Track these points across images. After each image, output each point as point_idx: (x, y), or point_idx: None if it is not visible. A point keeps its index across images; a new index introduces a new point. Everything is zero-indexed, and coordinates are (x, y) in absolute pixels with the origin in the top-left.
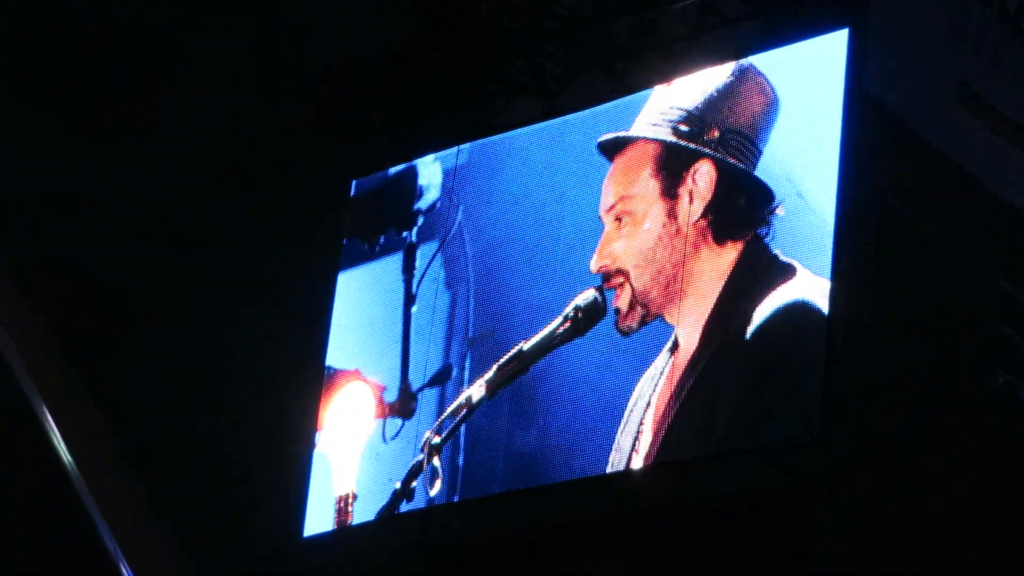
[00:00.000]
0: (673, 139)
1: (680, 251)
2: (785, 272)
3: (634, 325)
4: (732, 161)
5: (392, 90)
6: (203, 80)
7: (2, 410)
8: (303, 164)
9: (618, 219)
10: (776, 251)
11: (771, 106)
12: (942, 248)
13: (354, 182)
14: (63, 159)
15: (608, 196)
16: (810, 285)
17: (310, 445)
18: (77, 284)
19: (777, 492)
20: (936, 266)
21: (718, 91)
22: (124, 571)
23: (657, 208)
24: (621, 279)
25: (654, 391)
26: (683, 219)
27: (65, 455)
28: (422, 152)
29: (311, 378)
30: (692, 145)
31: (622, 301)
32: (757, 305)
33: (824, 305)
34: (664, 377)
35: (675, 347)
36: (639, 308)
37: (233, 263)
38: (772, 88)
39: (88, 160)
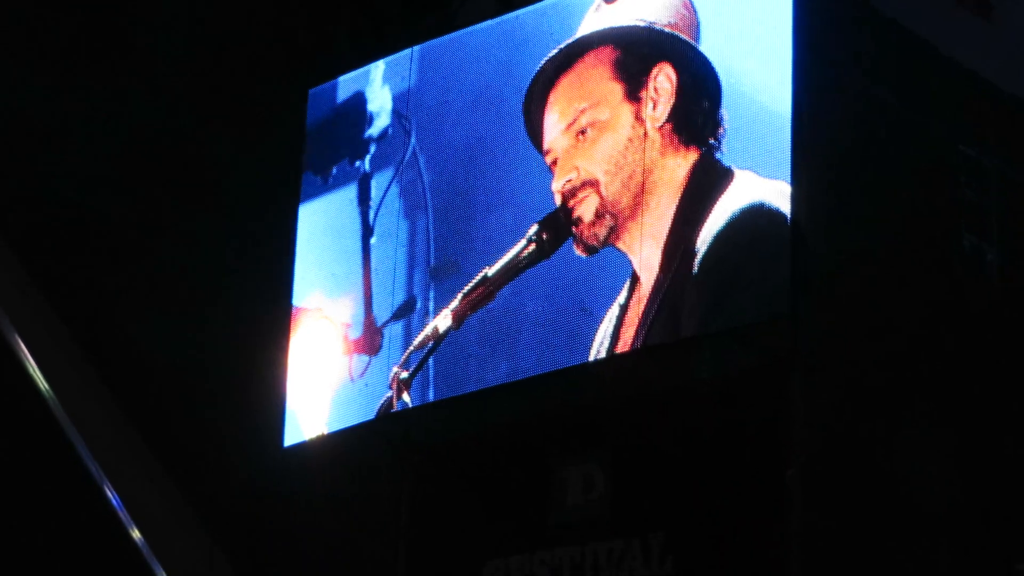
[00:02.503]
0: (630, 41)
1: (649, 158)
2: (733, 179)
3: (601, 236)
4: (691, 61)
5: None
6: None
7: None
8: (262, 75)
9: (581, 132)
10: (724, 160)
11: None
12: (902, 117)
13: (310, 92)
14: (21, 84)
15: (564, 114)
16: (763, 187)
17: (286, 359)
18: (43, 212)
19: (752, 372)
20: (897, 135)
21: None
22: (108, 492)
23: (624, 111)
24: (588, 190)
25: (619, 327)
26: (649, 124)
27: (42, 383)
28: (376, 56)
29: (282, 296)
30: (648, 49)
31: (586, 209)
32: (708, 216)
33: (780, 204)
34: (628, 312)
35: (635, 281)
36: (607, 218)
37: (198, 180)
38: None
39: (45, 85)
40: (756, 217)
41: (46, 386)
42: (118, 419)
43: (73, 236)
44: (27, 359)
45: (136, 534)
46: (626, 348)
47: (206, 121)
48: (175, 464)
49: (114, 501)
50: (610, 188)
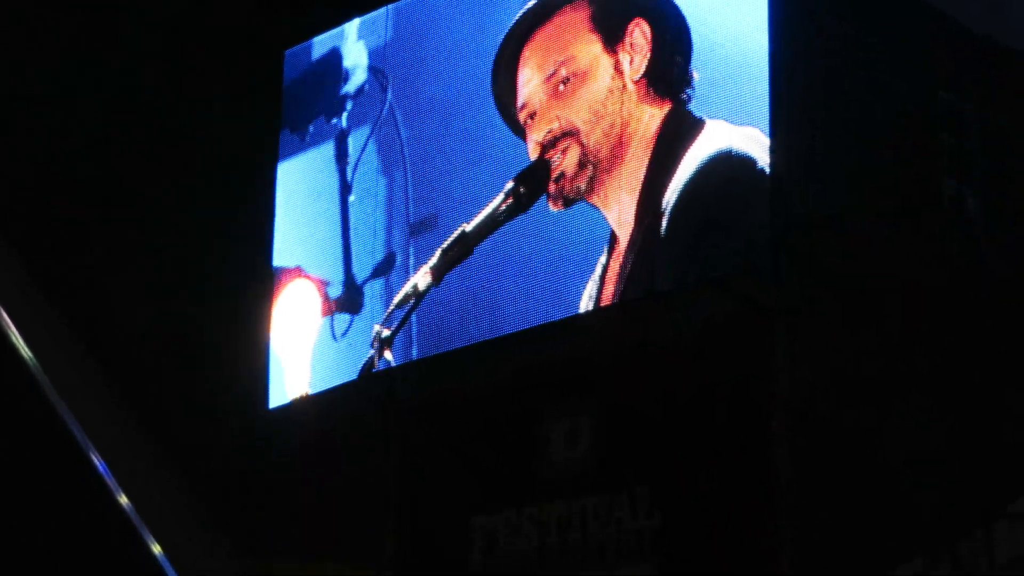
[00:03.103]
0: None
1: (626, 110)
2: (703, 128)
3: (582, 187)
4: (666, 15)
5: None
6: None
7: None
8: (239, 37)
9: (561, 83)
10: (695, 111)
11: None
12: (880, 63)
13: (286, 53)
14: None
15: (541, 67)
16: (732, 134)
17: (269, 320)
18: (19, 176)
19: (733, 324)
20: (875, 82)
21: None
22: (95, 460)
23: (603, 61)
24: (568, 140)
25: (601, 285)
26: (627, 76)
27: (24, 349)
28: (351, 15)
29: (264, 257)
30: (623, 4)
31: (568, 161)
32: (678, 166)
33: (749, 149)
34: (608, 270)
35: (613, 240)
36: (588, 168)
37: (176, 143)
38: None
39: (19, 56)
40: (725, 164)
41: (29, 353)
42: (101, 385)
43: (50, 200)
44: (8, 325)
45: (123, 500)
46: (607, 299)
47: (183, 85)
48: (160, 428)
49: (100, 467)
50: (591, 137)
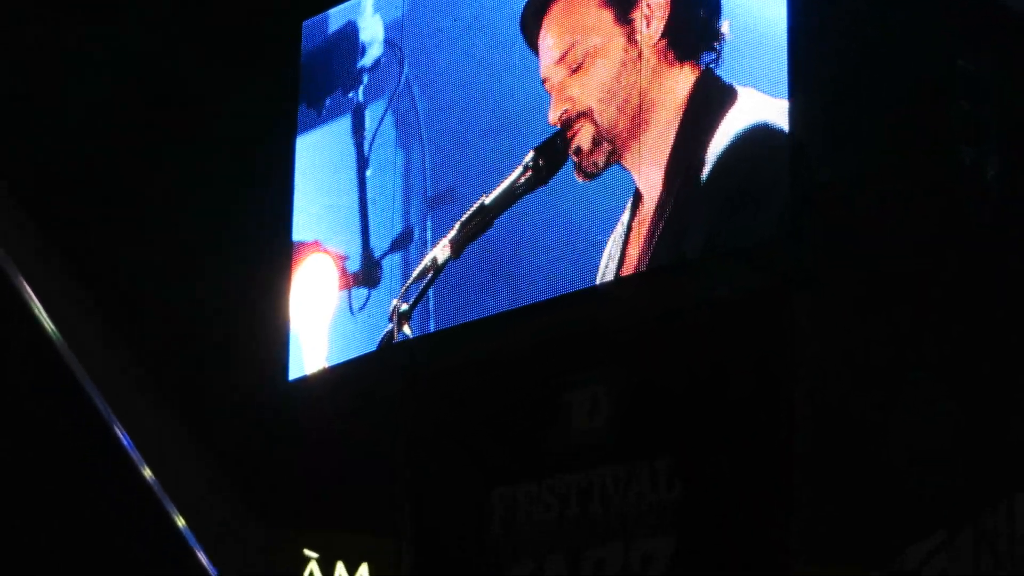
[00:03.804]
0: None
1: (644, 77)
2: (736, 97)
3: (600, 162)
4: None
5: None
6: None
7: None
8: (257, 7)
9: (573, 64)
10: (725, 77)
11: None
12: (899, 32)
13: (303, 24)
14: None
15: (557, 44)
16: (768, 106)
17: (288, 294)
18: (40, 152)
19: (758, 293)
20: (894, 50)
21: None
22: (119, 434)
23: (615, 36)
24: (583, 121)
25: (625, 247)
26: (643, 42)
27: (48, 324)
28: None
29: (283, 231)
30: None
31: (583, 139)
32: (712, 135)
33: (780, 123)
34: (632, 231)
35: (638, 200)
36: (605, 144)
37: (197, 116)
38: None
39: (40, 25)
40: (760, 137)
41: (52, 327)
42: (125, 360)
43: (72, 175)
44: (33, 301)
45: (147, 473)
46: (631, 270)
47: (201, 57)
48: (183, 402)
49: (124, 441)
50: (604, 116)
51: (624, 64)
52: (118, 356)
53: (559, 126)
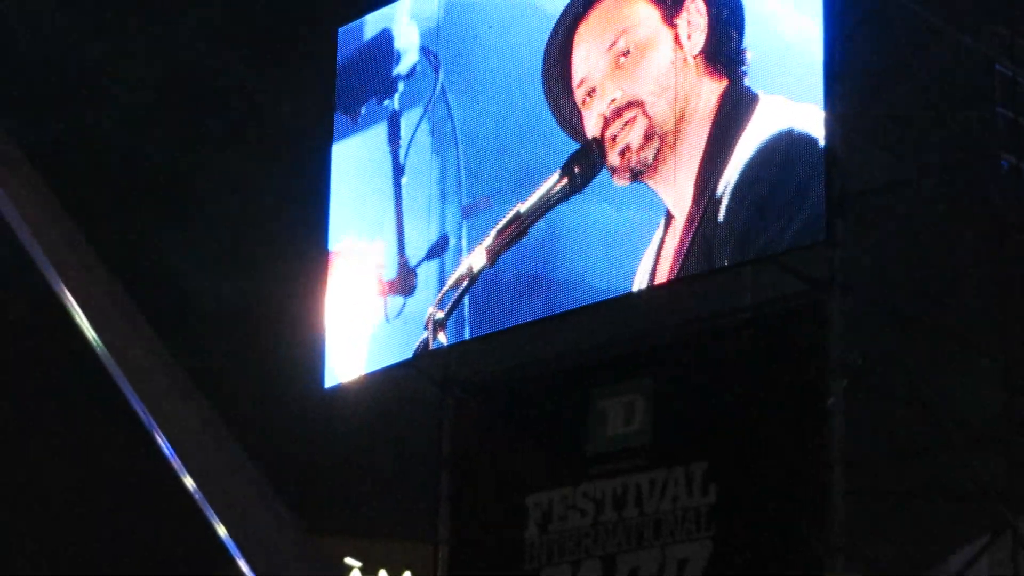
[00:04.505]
0: None
1: (688, 84)
2: (758, 103)
3: (648, 159)
4: None
5: None
6: None
7: (21, 299)
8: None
9: (622, 54)
10: (752, 86)
11: None
12: (938, 37)
13: (339, 30)
14: (64, 27)
15: (600, 39)
16: (792, 112)
17: (324, 303)
18: (84, 155)
19: (790, 299)
20: (933, 56)
21: None
22: (160, 441)
23: (663, 33)
24: (634, 111)
25: (658, 254)
26: (688, 50)
27: (90, 332)
28: None
29: (320, 239)
30: None
31: (634, 134)
32: (737, 142)
33: (810, 128)
34: (664, 246)
35: (669, 219)
36: (655, 140)
37: (237, 123)
38: None
39: (85, 28)
40: (786, 143)
41: (94, 335)
42: (168, 363)
43: (115, 179)
44: (74, 308)
45: (190, 482)
46: (664, 277)
47: (239, 63)
48: (224, 410)
49: (167, 450)
50: (656, 108)
51: (674, 63)
52: (161, 365)
53: (605, 119)
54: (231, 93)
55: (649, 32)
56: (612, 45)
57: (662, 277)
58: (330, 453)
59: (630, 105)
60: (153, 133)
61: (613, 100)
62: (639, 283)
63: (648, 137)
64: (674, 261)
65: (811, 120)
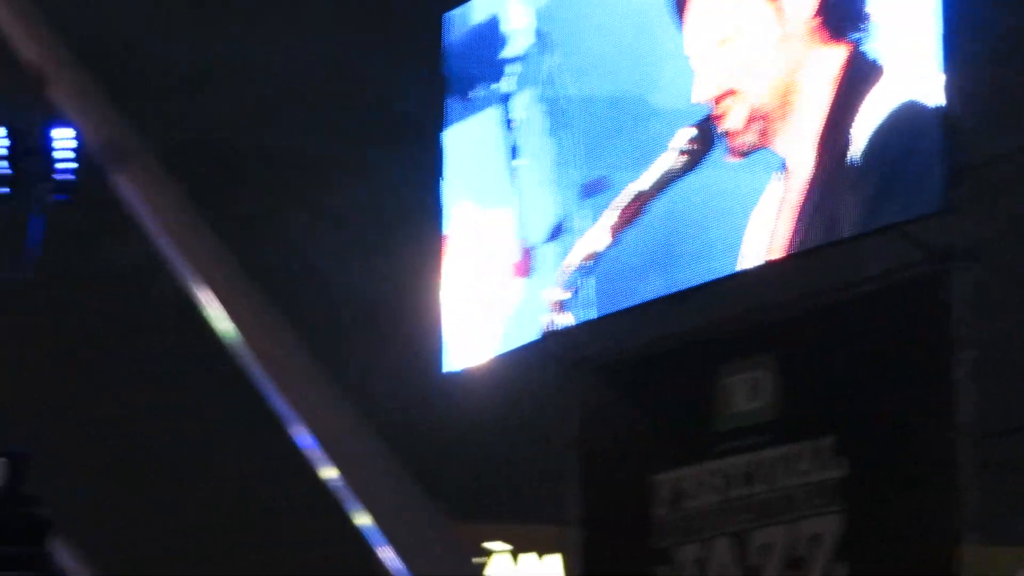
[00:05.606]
0: None
1: (792, 58)
2: (883, 74)
3: (754, 140)
4: None
5: None
6: None
7: (178, 297)
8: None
9: (721, 41)
10: (874, 55)
11: None
12: None
13: (444, 16)
14: (182, 37)
15: (703, 20)
16: (917, 83)
17: (440, 287)
18: (207, 152)
19: (915, 269)
20: None
21: None
22: (304, 435)
23: (764, 15)
24: (732, 99)
25: (775, 227)
26: (793, 20)
27: (229, 325)
28: None
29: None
30: None
31: (736, 119)
32: (859, 112)
33: (930, 99)
34: (781, 211)
35: (786, 179)
36: (757, 122)
37: (352, 114)
38: None
39: (203, 28)
40: (912, 114)
41: (232, 326)
42: (293, 346)
43: (238, 176)
44: (211, 302)
45: (332, 472)
46: (784, 250)
47: (356, 54)
48: (348, 389)
49: (310, 441)
50: (755, 93)
51: (774, 43)
52: (289, 349)
53: (707, 103)
54: (352, 84)
55: (748, 15)
56: (711, 29)
57: (782, 247)
58: (455, 437)
59: (729, 92)
60: (274, 125)
61: (717, 86)
62: (759, 254)
63: (749, 121)
64: (794, 231)
65: (936, 92)
